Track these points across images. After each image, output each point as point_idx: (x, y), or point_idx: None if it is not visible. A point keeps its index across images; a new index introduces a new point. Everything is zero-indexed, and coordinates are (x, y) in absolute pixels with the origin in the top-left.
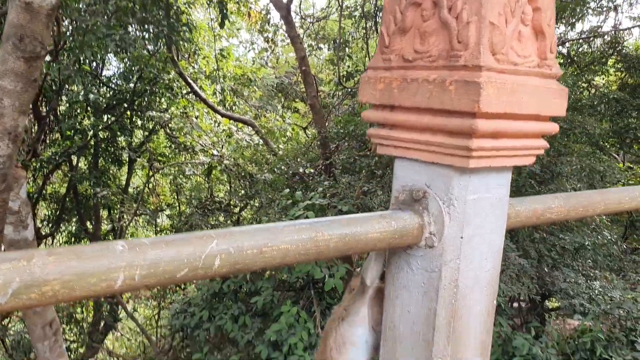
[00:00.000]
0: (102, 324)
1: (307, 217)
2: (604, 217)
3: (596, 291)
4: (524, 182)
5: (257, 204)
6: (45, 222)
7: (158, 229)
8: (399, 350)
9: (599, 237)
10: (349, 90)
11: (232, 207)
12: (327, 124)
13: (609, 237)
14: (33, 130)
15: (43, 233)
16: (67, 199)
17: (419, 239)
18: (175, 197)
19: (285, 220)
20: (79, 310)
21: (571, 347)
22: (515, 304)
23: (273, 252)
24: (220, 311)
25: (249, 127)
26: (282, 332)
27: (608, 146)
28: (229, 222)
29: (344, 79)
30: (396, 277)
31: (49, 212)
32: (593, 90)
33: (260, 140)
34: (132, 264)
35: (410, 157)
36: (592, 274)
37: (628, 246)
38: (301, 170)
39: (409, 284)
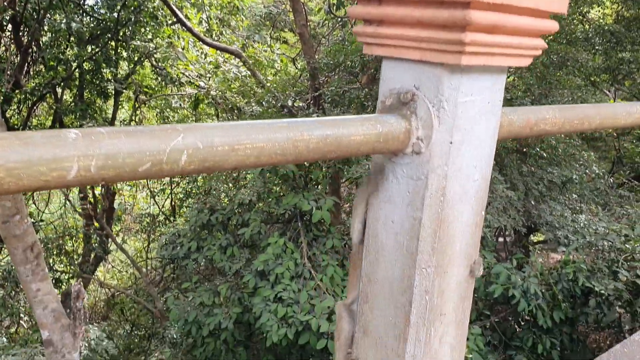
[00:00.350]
0: (92, 255)
1: None
2: (592, 153)
3: (581, 224)
4: None
5: None
6: None
7: None
8: (381, 262)
9: (587, 171)
10: (340, 19)
11: None
12: (316, 55)
13: (597, 172)
14: (15, 60)
15: None
16: None
17: (405, 145)
18: None
19: None
20: (69, 242)
21: (554, 278)
22: (501, 239)
23: (247, 149)
24: (208, 242)
25: (236, 58)
26: (270, 262)
27: (600, 82)
28: None
29: (334, 7)
30: (380, 187)
31: None
32: (587, 26)
33: (248, 72)
34: (86, 154)
35: (399, 56)
36: (578, 208)
37: (615, 181)
38: (290, 102)
39: (394, 194)
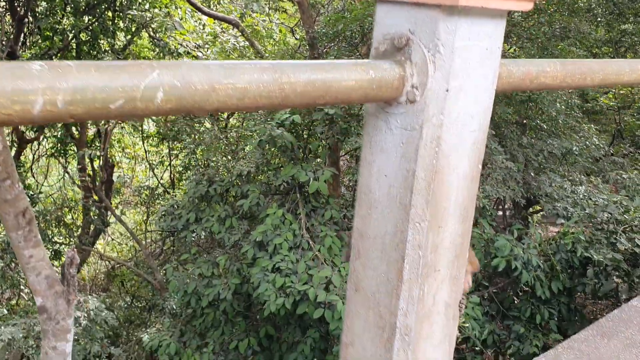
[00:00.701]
0: (91, 228)
1: (293, 121)
2: (592, 126)
3: (580, 195)
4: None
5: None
6: (28, 127)
7: (145, 135)
8: (374, 216)
9: (587, 142)
10: None
11: (219, 112)
12: (315, 25)
13: (597, 143)
14: (11, 30)
15: (28, 137)
16: None
17: (399, 92)
18: None
19: (272, 124)
20: (68, 215)
21: (552, 249)
22: (500, 213)
23: (228, 90)
24: (207, 214)
25: (235, 28)
26: (268, 233)
27: (602, 54)
28: (216, 128)
29: None
30: (373, 139)
31: None
32: None
33: (246, 43)
34: (53, 87)
35: None
36: (577, 179)
37: (614, 154)
38: None
39: (387, 146)
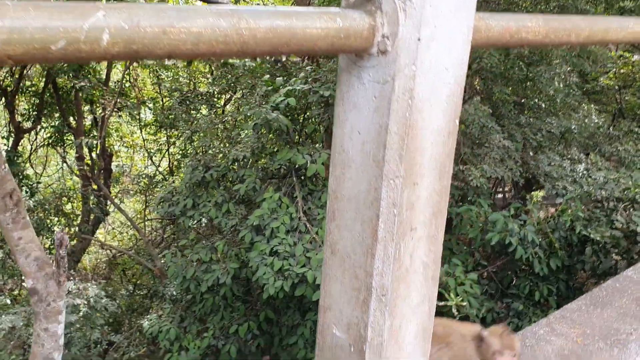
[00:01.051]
0: (91, 217)
1: (288, 104)
2: (592, 105)
3: (580, 174)
4: (513, 64)
5: (239, 96)
6: (25, 117)
7: (142, 124)
8: (347, 176)
9: (586, 121)
10: None
11: (215, 98)
12: (309, 3)
13: (596, 121)
14: None
15: (24, 127)
16: (47, 94)
17: (370, 43)
18: (158, 90)
19: (266, 107)
20: (68, 204)
21: (551, 226)
22: (500, 195)
23: (181, 34)
24: (204, 199)
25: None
26: (265, 217)
27: None
28: (212, 114)
29: None
30: (346, 96)
31: (29, 107)
32: None
33: None
34: None
35: None
36: (577, 158)
37: (613, 132)
38: (283, 57)
39: (360, 101)
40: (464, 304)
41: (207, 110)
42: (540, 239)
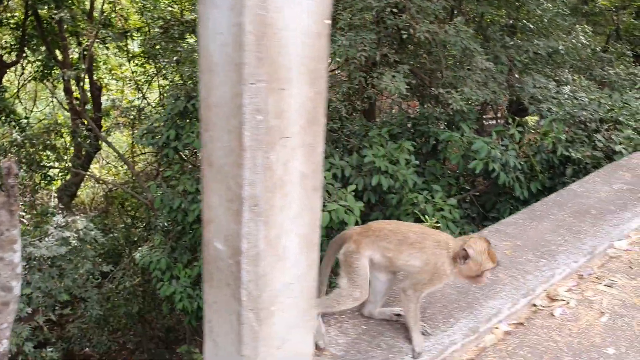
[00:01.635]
0: (83, 151)
1: None
2: (587, 27)
3: (565, 96)
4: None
5: None
6: (7, 49)
7: (130, 55)
8: (213, 82)
9: (574, 40)
10: None
11: None
12: None
13: (584, 42)
14: None
15: (7, 61)
16: (30, 26)
17: None
18: (145, 20)
19: None
20: (59, 140)
21: (533, 149)
22: (493, 122)
23: None
24: (187, 130)
25: None
26: None
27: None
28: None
29: None
30: None
31: (12, 39)
32: None
33: None
34: None
35: None
36: (564, 79)
37: (605, 53)
38: None
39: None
40: (439, 225)
41: (194, 40)
42: (521, 163)
